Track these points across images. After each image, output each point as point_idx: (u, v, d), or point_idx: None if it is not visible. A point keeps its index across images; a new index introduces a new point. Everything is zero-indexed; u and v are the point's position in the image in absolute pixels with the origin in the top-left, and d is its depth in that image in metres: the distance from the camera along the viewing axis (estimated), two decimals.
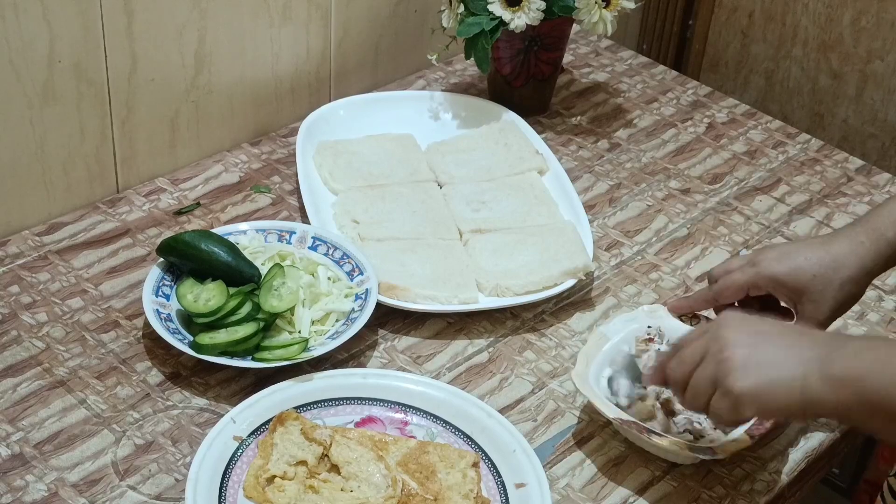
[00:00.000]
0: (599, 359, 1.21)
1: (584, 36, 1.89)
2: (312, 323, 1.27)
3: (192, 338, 1.23)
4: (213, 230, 1.35)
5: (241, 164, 1.56)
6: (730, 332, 1.01)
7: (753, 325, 1.03)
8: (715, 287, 1.23)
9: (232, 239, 1.33)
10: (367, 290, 1.29)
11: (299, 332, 1.26)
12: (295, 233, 1.37)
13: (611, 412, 1.15)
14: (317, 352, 1.23)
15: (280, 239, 1.36)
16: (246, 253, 1.31)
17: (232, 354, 1.22)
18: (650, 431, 1.14)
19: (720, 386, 1.00)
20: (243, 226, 1.37)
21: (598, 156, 1.63)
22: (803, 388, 0.95)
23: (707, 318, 1.25)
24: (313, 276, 1.31)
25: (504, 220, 1.45)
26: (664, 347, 1.21)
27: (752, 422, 1.14)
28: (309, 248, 1.35)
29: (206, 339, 1.22)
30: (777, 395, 0.97)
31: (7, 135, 1.35)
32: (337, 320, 1.28)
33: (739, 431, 1.14)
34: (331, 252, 1.35)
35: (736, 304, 1.22)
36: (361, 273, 1.32)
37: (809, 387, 0.95)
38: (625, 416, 1.15)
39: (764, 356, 0.98)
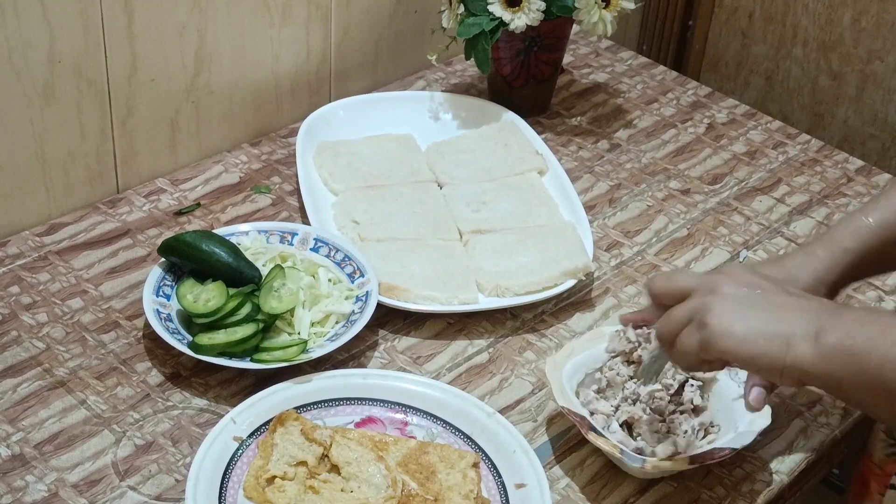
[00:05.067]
0: (587, 355, 1.21)
1: (584, 36, 1.89)
2: (312, 324, 1.27)
3: (191, 338, 1.23)
4: (215, 231, 1.35)
5: (241, 165, 1.56)
6: (724, 279, 0.99)
7: (753, 278, 1.00)
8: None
9: (234, 240, 1.33)
10: (367, 292, 1.29)
11: (298, 333, 1.26)
12: (297, 234, 1.36)
13: (562, 401, 1.15)
14: (315, 353, 1.23)
15: (282, 240, 1.36)
16: (247, 254, 1.31)
17: (231, 355, 1.22)
18: (592, 428, 1.13)
19: (696, 320, 0.97)
20: (245, 226, 1.37)
21: (598, 156, 1.63)
22: (790, 348, 0.92)
23: None
24: (314, 277, 1.31)
25: (504, 221, 1.45)
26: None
27: (701, 450, 1.13)
28: (311, 249, 1.35)
29: (204, 339, 1.22)
30: (757, 346, 0.94)
31: (7, 135, 1.35)
32: (337, 322, 1.28)
33: (683, 455, 1.13)
34: (332, 254, 1.35)
35: None
36: (363, 275, 1.31)
37: (797, 350, 0.92)
38: (575, 408, 1.15)
39: (754, 306, 0.96)
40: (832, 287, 1.14)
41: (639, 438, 1.15)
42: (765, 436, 1.19)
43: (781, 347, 0.93)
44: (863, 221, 1.14)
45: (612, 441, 1.13)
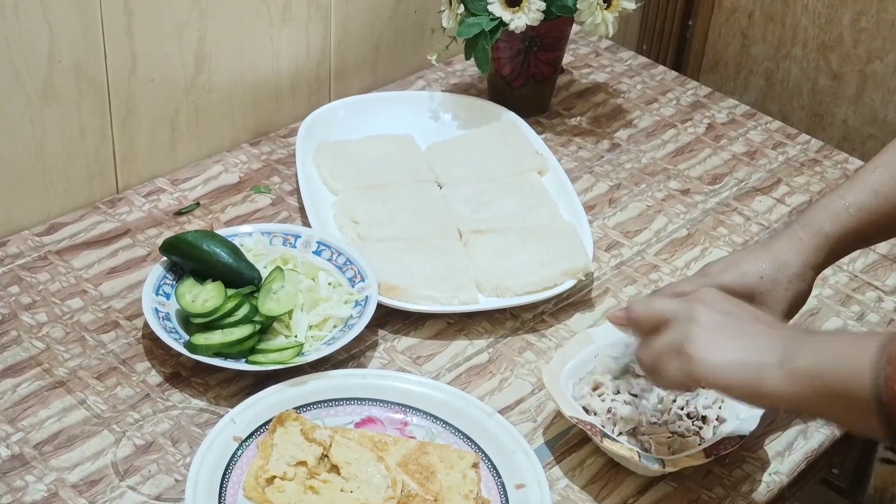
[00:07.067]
0: (578, 360, 1.21)
1: (584, 36, 1.89)
2: (310, 328, 1.27)
3: (188, 338, 1.23)
4: (218, 231, 1.34)
5: (240, 165, 1.56)
6: (701, 307, 1.03)
7: (728, 305, 1.04)
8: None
9: (236, 241, 1.33)
10: (366, 297, 1.29)
11: (296, 336, 1.26)
12: (300, 237, 1.36)
13: (569, 411, 1.15)
14: (311, 357, 1.22)
15: (285, 242, 1.36)
16: (250, 255, 1.31)
17: (227, 356, 1.22)
18: (604, 435, 1.13)
19: (676, 348, 1.02)
20: (248, 228, 1.37)
21: (598, 156, 1.63)
22: (760, 375, 0.97)
23: None
24: (314, 280, 1.31)
25: (504, 221, 1.45)
26: None
27: (711, 441, 1.14)
28: (313, 252, 1.35)
29: (200, 339, 1.22)
30: (733, 375, 0.98)
31: (7, 134, 1.35)
32: (335, 326, 1.28)
33: (696, 449, 1.14)
34: (334, 257, 1.34)
35: None
36: (363, 280, 1.31)
37: (766, 376, 0.96)
38: (583, 416, 1.15)
39: (729, 336, 1.00)
40: (818, 268, 1.17)
41: (644, 438, 1.16)
42: (766, 422, 1.20)
43: (756, 376, 0.97)
44: (840, 205, 1.17)
45: (627, 446, 1.13)
